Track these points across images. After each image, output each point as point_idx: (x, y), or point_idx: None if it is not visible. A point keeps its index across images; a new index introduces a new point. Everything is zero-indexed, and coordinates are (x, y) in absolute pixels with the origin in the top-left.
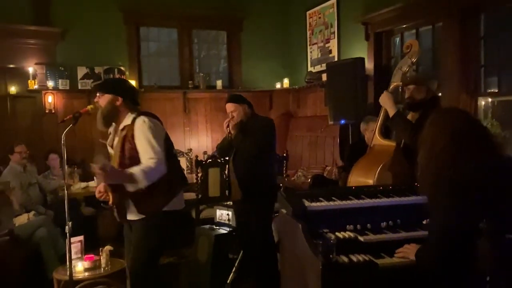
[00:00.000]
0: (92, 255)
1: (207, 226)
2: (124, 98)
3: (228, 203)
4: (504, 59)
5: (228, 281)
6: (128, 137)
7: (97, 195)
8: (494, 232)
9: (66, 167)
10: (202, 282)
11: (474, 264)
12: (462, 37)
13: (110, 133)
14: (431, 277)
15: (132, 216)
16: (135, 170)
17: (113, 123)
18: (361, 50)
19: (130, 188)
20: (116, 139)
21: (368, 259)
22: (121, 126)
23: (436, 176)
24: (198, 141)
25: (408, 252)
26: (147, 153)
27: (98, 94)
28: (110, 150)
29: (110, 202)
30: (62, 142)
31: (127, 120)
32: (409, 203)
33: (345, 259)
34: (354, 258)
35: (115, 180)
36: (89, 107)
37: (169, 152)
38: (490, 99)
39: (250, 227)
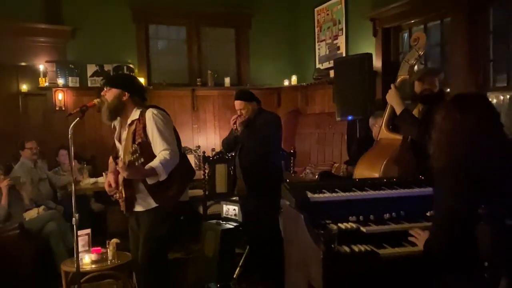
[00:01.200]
0: (99, 248)
1: (214, 221)
2: (131, 93)
3: (234, 198)
4: None
5: (234, 276)
6: (138, 131)
7: (106, 188)
8: (493, 217)
9: (75, 162)
10: (209, 276)
11: (472, 249)
12: (471, 31)
13: (113, 127)
14: (433, 265)
15: (139, 207)
16: (155, 164)
17: (119, 117)
18: (369, 46)
19: (149, 181)
20: (125, 134)
21: (369, 249)
22: (129, 121)
23: (447, 157)
24: (207, 138)
25: (419, 240)
26: (161, 145)
27: (105, 88)
28: (118, 144)
29: (123, 196)
30: (69, 135)
31: (135, 114)
32: (413, 195)
33: (346, 249)
34: (355, 248)
35: (137, 176)
36: (95, 100)
37: (178, 143)
38: (499, 95)
39: (257, 222)
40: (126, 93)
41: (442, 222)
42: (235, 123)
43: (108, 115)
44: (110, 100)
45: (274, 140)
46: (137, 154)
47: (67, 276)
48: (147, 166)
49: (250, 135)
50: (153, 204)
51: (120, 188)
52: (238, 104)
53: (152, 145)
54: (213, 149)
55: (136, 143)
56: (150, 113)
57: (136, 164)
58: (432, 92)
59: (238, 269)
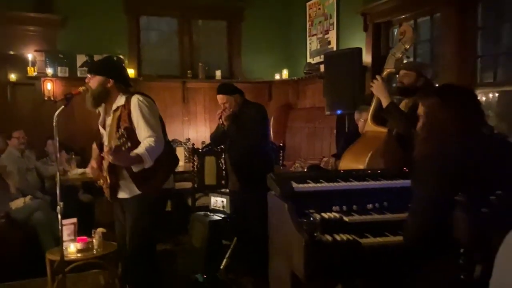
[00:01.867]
0: (85, 237)
1: (202, 213)
2: (116, 79)
3: (223, 190)
4: (501, 50)
5: (221, 267)
6: (123, 117)
7: (89, 171)
8: (470, 205)
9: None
10: (196, 267)
11: (448, 236)
12: (460, 27)
13: (98, 112)
14: (411, 253)
15: (123, 194)
16: (140, 151)
17: (103, 103)
18: (360, 41)
19: (135, 168)
20: (109, 120)
21: (351, 238)
22: (114, 107)
23: (435, 144)
24: (197, 131)
25: None
26: (146, 131)
27: (89, 75)
28: (102, 130)
29: (108, 183)
30: (54, 123)
31: (120, 100)
32: (396, 187)
33: (329, 237)
34: (338, 237)
35: (122, 162)
36: (81, 88)
37: (163, 131)
38: (486, 90)
39: (247, 216)
40: (111, 79)
41: (417, 209)
42: (220, 117)
43: (92, 101)
44: (94, 87)
45: (262, 132)
46: (124, 139)
47: (53, 264)
48: (132, 153)
49: (238, 130)
50: (137, 191)
51: (105, 174)
52: (220, 98)
53: (136, 131)
54: (203, 142)
55: (122, 128)
56: (135, 100)
57: (123, 148)
58: (409, 85)
59: (225, 260)
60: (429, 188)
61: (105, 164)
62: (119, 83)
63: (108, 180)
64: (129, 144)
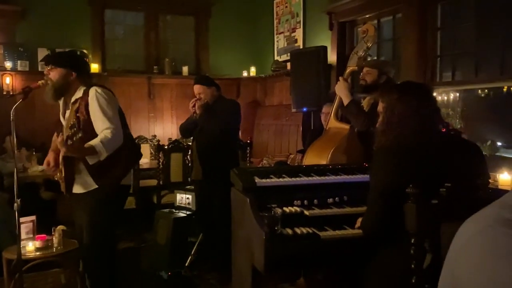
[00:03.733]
0: (44, 235)
1: (167, 210)
2: (78, 73)
3: (189, 187)
4: (459, 50)
5: (186, 264)
6: (81, 109)
7: (45, 166)
8: (420, 197)
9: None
10: (160, 264)
11: (401, 227)
12: (420, 28)
13: (59, 105)
14: (368, 244)
15: (79, 189)
16: (95, 142)
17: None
18: (326, 40)
19: (90, 161)
20: (68, 112)
21: (311, 231)
22: (72, 99)
23: (392, 136)
24: (163, 127)
25: (358, 220)
26: (103, 123)
27: (49, 67)
28: (62, 121)
29: (62, 176)
30: (11, 117)
31: (79, 93)
32: (356, 181)
33: (289, 231)
34: (298, 230)
35: (76, 153)
36: (40, 82)
37: (122, 123)
38: (445, 89)
39: (211, 208)
40: (73, 72)
41: (372, 198)
42: (194, 106)
43: (52, 94)
44: (55, 79)
45: (233, 126)
46: (75, 129)
47: (10, 263)
48: (86, 145)
49: (210, 119)
50: (93, 185)
51: (60, 167)
52: (197, 88)
53: (93, 123)
54: (169, 139)
55: (80, 122)
56: (93, 91)
57: (74, 138)
58: (371, 83)
59: (190, 257)
60: (382, 178)
61: (60, 156)
62: (81, 76)
63: (63, 173)
64: (80, 135)
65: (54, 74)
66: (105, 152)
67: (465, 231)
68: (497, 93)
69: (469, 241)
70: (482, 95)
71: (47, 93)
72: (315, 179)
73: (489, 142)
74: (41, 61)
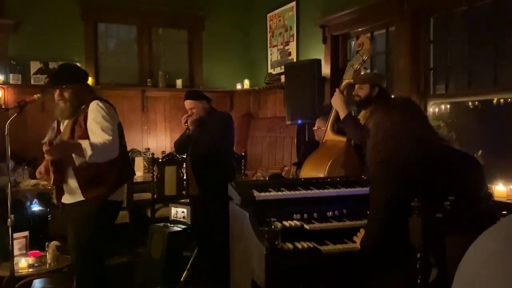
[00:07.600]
0: (38, 251)
1: (162, 224)
2: (87, 86)
3: (183, 200)
4: (451, 63)
5: (181, 279)
6: (79, 122)
7: (37, 175)
8: (425, 210)
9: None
10: (155, 279)
11: (405, 241)
12: (413, 41)
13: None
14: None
15: (68, 199)
16: (83, 141)
17: None
18: (319, 53)
19: (76, 161)
20: (65, 123)
21: (312, 245)
22: None
23: (386, 152)
24: (157, 140)
25: (358, 237)
26: (100, 135)
27: (62, 87)
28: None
29: (51, 182)
30: (6, 131)
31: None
32: (355, 194)
33: (289, 245)
34: (298, 245)
35: (63, 151)
36: (35, 96)
37: (120, 140)
38: (439, 101)
39: (207, 223)
40: (85, 85)
41: (375, 216)
42: (186, 122)
43: (71, 112)
44: (70, 98)
45: (226, 139)
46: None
47: (2, 281)
48: (72, 141)
49: (203, 133)
50: (80, 196)
51: (51, 174)
52: (188, 103)
53: (90, 136)
54: (163, 152)
55: (76, 135)
56: (94, 104)
57: (54, 142)
58: (364, 97)
59: (185, 272)
60: (383, 192)
61: (49, 161)
62: (89, 88)
63: (52, 179)
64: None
65: (68, 92)
66: (91, 152)
67: (485, 247)
68: (487, 105)
69: (489, 260)
70: (472, 106)
71: (64, 111)
72: (314, 192)
73: (479, 152)
74: (49, 86)
